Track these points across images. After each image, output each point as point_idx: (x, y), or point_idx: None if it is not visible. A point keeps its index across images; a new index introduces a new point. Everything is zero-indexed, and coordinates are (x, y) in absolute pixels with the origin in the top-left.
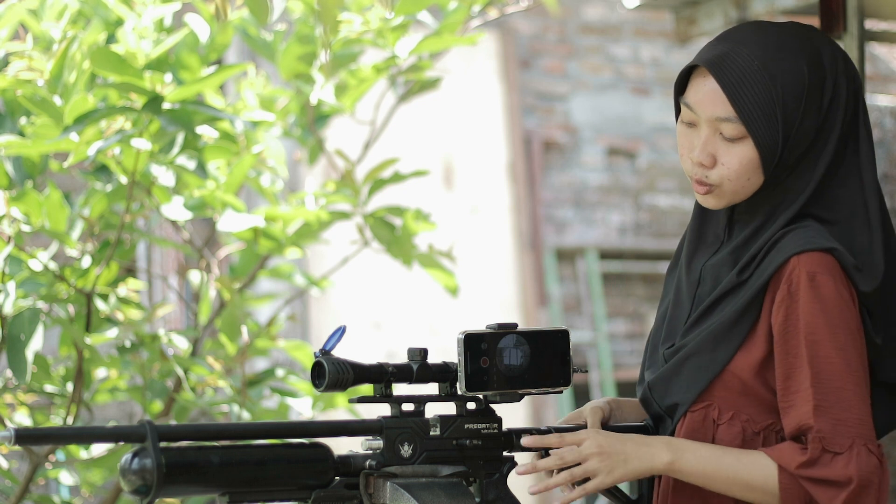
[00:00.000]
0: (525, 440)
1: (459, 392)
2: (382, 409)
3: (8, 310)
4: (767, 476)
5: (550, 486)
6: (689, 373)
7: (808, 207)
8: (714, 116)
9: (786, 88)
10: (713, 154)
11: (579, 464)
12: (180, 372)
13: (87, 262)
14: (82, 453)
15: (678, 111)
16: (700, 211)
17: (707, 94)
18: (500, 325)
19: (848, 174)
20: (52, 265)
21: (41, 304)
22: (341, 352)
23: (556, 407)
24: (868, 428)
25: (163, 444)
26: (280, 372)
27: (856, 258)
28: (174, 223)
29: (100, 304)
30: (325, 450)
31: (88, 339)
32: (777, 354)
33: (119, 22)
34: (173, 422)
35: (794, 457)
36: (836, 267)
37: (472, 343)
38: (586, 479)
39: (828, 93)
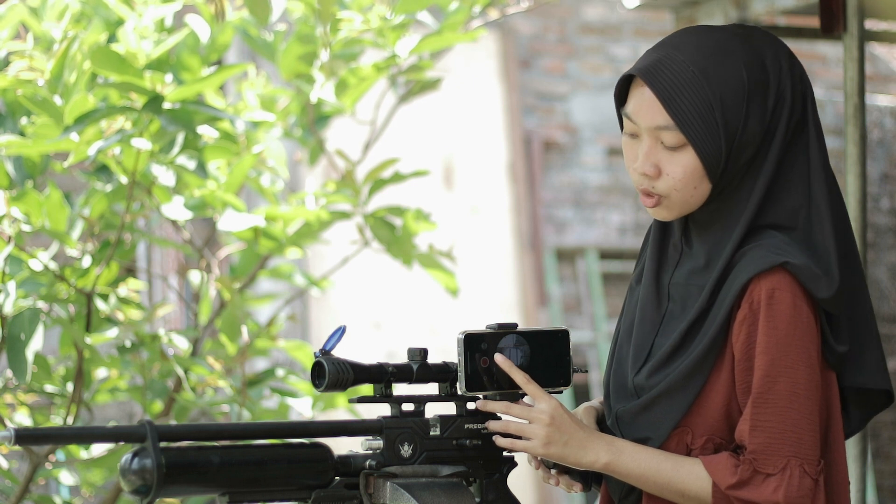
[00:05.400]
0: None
1: (459, 392)
2: (382, 409)
3: (8, 310)
4: (702, 487)
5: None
6: (660, 411)
7: (764, 216)
8: (653, 125)
9: (724, 92)
10: (656, 164)
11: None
12: (180, 372)
13: (87, 262)
14: (82, 453)
15: (622, 123)
16: (658, 225)
17: (644, 103)
18: (500, 325)
19: (798, 178)
20: (53, 265)
21: (41, 304)
22: (341, 352)
23: None
24: (809, 448)
25: (163, 444)
26: (280, 372)
27: (816, 263)
28: (174, 223)
29: (100, 304)
30: (325, 450)
31: (88, 339)
32: (737, 373)
33: (120, 22)
34: (173, 422)
35: (726, 476)
36: (794, 280)
37: (472, 343)
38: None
39: (772, 95)
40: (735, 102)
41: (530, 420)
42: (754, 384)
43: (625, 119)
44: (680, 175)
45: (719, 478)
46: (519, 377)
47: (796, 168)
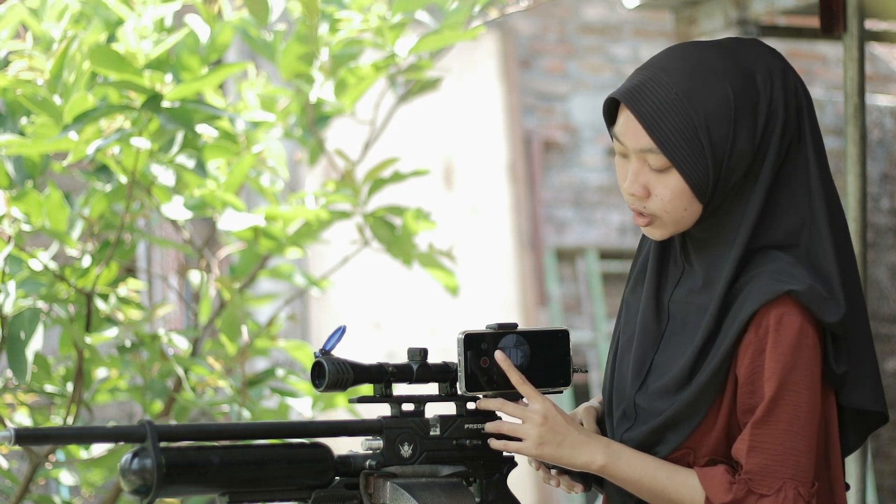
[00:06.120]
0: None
1: (459, 392)
2: (382, 409)
3: (8, 310)
4: (694, 499)
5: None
6: (667, 434)
7: (764, 236)
8: (638, 148)
9: (709, 114)
10: (645, 185)
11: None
12: (180, 372)
13: (87, 261)
14: (82, 453)
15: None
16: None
17: (630, 126)
18: (500, 325)
19: (798, 194)
20: (53, 265)
21: (41, 304)
22: (341, 352)
23: None
24: (805, 470)
25: (163, 444)
26: (280, 372)
27: (821, 284)
28: (174, 223)
29: (100, 304)
30: (325, 450)
31: (88, 339)
32: (739, 395)
33: (120, 22)
34: (173, 422)
35: (720, 493)
36: (801, 305)
37: (472, 343)
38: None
39: (762, 112)
40: (721, 124)
41: (524, 420)
42: (759, 407)
43: (614, 139)
44: (668, 197)
45: (713, 493)
46: (515, 377)
47: (795, 185)
